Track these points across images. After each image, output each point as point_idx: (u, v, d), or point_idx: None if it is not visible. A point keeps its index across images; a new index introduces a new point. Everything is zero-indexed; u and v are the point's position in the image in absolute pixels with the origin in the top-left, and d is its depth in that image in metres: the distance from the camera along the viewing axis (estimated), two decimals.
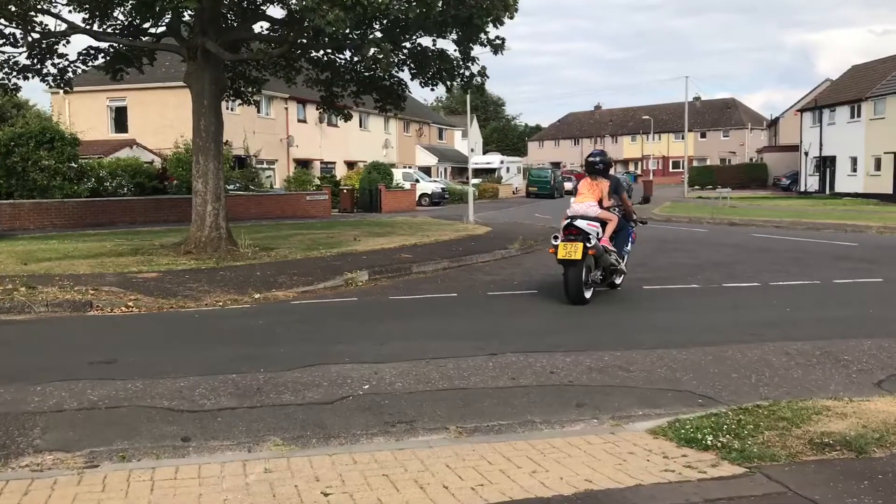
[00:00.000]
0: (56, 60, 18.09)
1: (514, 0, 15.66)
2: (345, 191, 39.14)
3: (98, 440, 5.28)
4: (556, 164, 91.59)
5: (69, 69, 18.45)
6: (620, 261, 11.28)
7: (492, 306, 11.00)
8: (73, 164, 26.65)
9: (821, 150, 53.45)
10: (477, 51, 17.32)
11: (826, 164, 53.47)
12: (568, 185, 65.17)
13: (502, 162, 65.50)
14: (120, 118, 38.51)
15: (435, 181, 51.44)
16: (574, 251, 10.22)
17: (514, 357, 7.51)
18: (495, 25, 16.00)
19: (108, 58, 18.86)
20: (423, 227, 24.99)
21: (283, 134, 44.64)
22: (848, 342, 8.10)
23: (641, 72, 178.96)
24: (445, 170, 65.57)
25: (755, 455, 4.59)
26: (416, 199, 44.33)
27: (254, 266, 14.67)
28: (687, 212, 34.57)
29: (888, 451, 4.61)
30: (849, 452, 4.62)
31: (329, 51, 19.15)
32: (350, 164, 50.59)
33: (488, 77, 17.59)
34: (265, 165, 41.83)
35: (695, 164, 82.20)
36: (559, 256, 10.38)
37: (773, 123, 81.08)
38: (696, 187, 65.39)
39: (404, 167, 51.83)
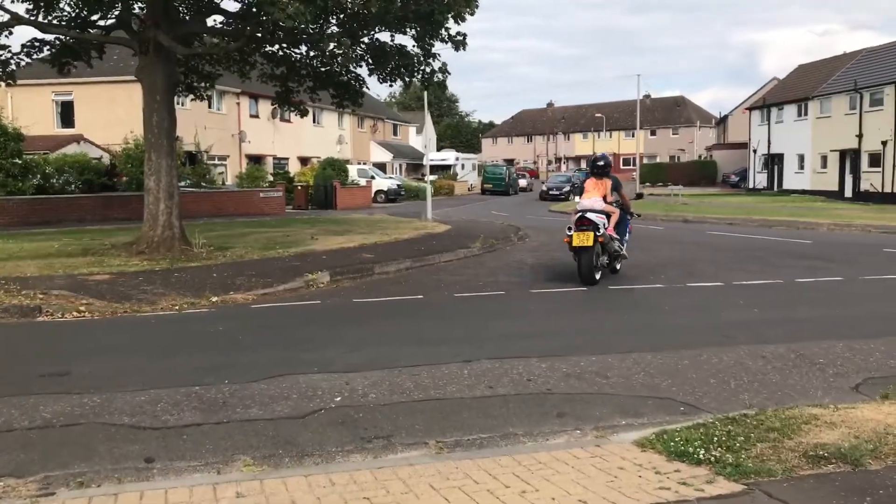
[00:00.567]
0: None
1: None
2: (299, 187, 38.52)
3: (53, 463, 4.91)
4: (510, 161, 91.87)
5: (12, 62, 17.63)
6: (622, 246, 12.91)
7: (460, 309, 10.79)
8: (17, 161, 25.76)
9: (769, 147, 54.40)
10: (437, 47, 17.11)
11: (774, 162, 54.44)
12: (523, 182, 65.60)
13: (457, 159, 65.30)
14: (66, 113, 37.30)
15: (391, 178, 51.03)
16: (587, 239, 11.86)
17: (489, 364, 7.30)
18: (456, 21, 15.78)
19: (53, 50, 18.14)
20: (381, 225, 24.66)
21: (236, 129, 43.80)
22: (820, 344, 8.08)
23: (593, 69, 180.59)
24: (400, 166, 65.17)
25: (751, 470, 4.44)
26: (372, 195, 43.87)
27: (209, 267, 14.22)
28: (641, 209, 34.74)
29: (884, 463, 4.52)
30: (845, 465, 4.51)
31: (285, 45, 18.73)
32: (304, 161, 49.90)
33: (450, 74, 17.37)
34: (217, 161, 40.98)
35: (645, 161, 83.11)
36: (574, 244, 11.95)
37: (722, 121, 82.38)
38: (647, 184, 66.07)
39: (359, 163, 51.30)
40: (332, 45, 15.92)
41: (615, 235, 12.56)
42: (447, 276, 14.02)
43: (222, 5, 18.21)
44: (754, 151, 57.23)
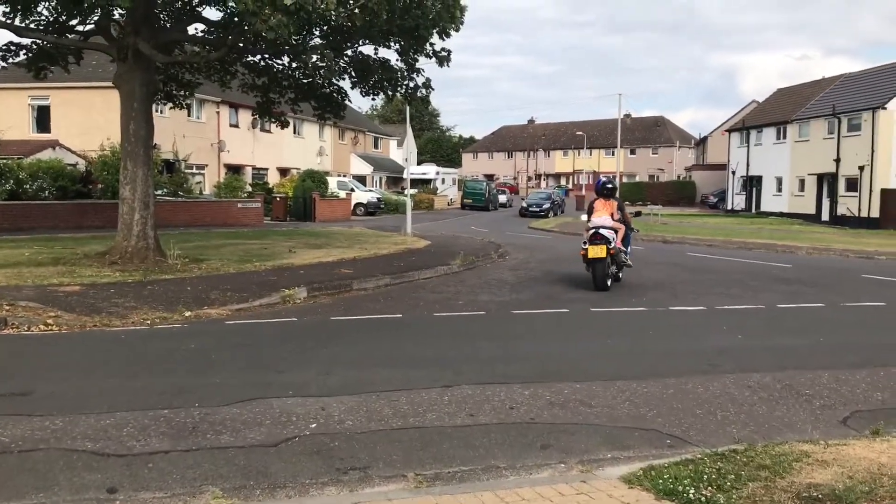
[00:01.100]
0: None
1: (461, 12, 15.35)
2: (277, 198, 38.12)
3: (10, 492, 4.64)
4: (490, 177, 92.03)
5: None
6: (626, 257, 14.64)
7: (440, 329, 10.56)
8: None
9: (748, 169, 54.83)
10: (421, 62, 16.97)
11: (752, 184, 54.84)
12: (502, 198, 65.57)
13: (438, 173, 65.13)
14: (42, 118, 36.66)
15: (370, 191, 50.73)
16: (600, 251, 13.68)
17: (469, 390, 7.08)
18: (441, 37, 15.66)
19: (30, 55, 17.78)
20: (360, 239, 24.40)
21: (215, 138, 43.37)
22: (805, 374, 7.96)
23: (573, 87, 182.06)
24: (381, 179, 64.89)
25: None
26: (352, 208, 43.57)
27: (184, 280, 13.91)
28: None
29: None
30: None
31: (267, 56, 18.49)
32: (283, 171, 49.51)
33: (433, 89, 17.22)
34: (195, 170, 40.49)
35: (625, 180, 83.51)
36: (589, 256, 13.73)
37: (702, 142, 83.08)
38: (627, 203, 66.30)
39: (339, 175, 51.01)
40: (314, 58, 15.73)
41: (622, 248, 14.38)
42: (427, 293, 13.80)
43: (204, 14, 17.96)
44: (733, 173, 57.65)
